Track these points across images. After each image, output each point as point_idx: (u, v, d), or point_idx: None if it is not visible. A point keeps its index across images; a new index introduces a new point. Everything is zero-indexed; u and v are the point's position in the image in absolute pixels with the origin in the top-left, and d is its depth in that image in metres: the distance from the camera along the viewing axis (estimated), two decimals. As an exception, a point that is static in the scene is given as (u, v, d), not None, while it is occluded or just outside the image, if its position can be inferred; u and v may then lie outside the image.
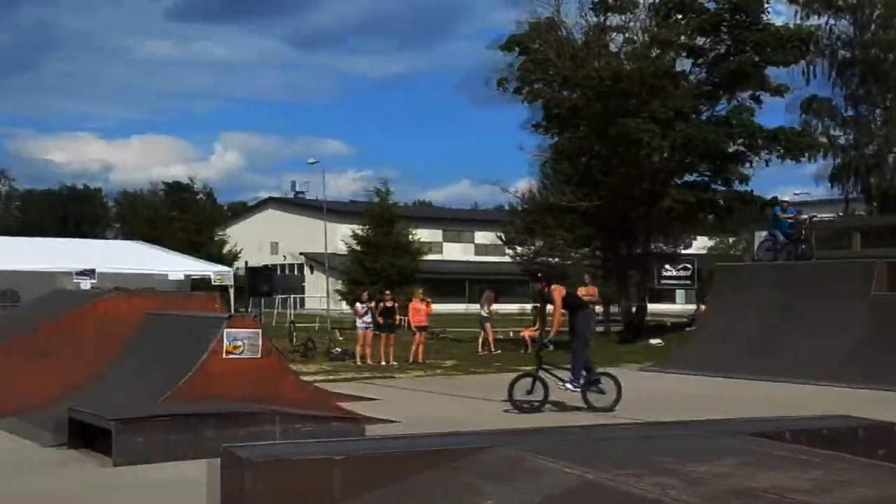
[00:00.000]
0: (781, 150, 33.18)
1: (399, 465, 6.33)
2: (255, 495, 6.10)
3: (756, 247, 28.19)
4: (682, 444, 6.57)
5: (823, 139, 39.87)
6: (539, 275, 19.56)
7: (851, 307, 21.37)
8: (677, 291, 62.81)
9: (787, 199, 31.23)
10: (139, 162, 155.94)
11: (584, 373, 15.44)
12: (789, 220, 25.83)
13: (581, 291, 29.97)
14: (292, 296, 55.97)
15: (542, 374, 15.37)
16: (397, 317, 27.96)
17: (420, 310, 27.74)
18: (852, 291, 21.66)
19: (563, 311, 15.99)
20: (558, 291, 15.90)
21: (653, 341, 31.54)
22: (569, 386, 15.38)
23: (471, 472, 6.13)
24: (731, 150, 33.78)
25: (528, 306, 37.33)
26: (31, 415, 13.22)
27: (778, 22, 34.32)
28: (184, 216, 64.14)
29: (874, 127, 40.58)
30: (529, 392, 15.18)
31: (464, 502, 5.75)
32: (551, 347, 16.49)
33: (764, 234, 27.67)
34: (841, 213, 41.98)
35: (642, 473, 5.16)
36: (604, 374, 15.96)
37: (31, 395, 13.70)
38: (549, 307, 16.21)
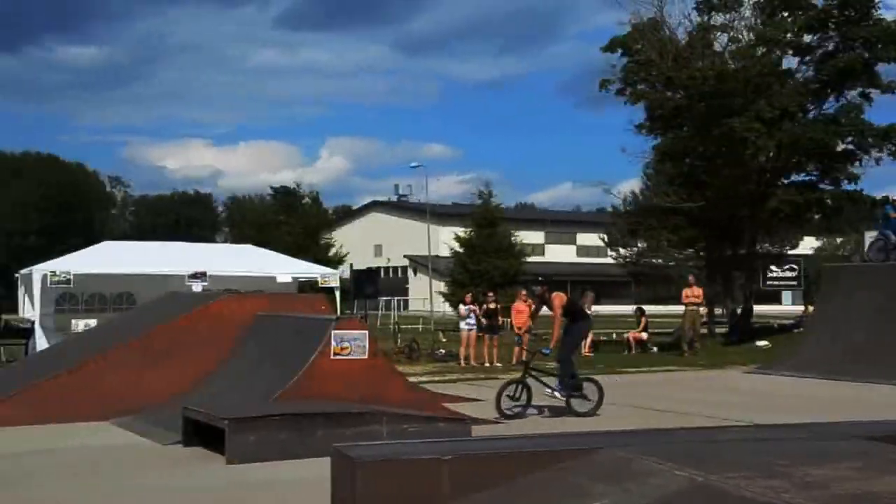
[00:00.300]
0: (894, 148, 32.41)
1: (507, 466, 6.26)
2: (366, 495, 6.07)
3: (867, 247, 27.61)
4: (794, 446, 6.48)
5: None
6: (540, 279, 19.32)
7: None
8: (783, 292, 61.78)
9: (899, 197, 30.50)
10: (248, 167, 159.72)
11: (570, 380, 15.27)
12: (902, 220, 25.27)
13: (686, 293, 29.83)
14: (396, 298, 56.42)
15: (529, 380, 15.12)
16: (500, 318, 28.08)
17: (522, 311, 27.75)
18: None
19: (562, 318, 15.59)
20: (559, 298, 15.64)
21: (759, 343, 31.11)
22: (557, 394, 15.16)
23: (579, 473, 6.08)
24: (839, 148, 33.09)
25: (631, 308, 36.98)
26: (148, 413, 13.59)
27: (889, 17, 33.52)
28: (291, 220, 65.15)
29: None
30: (515, 398, 14.91)
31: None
32: (546, 352, 16.12)
33: (875, 233, 27.09)
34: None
35: (753, 476, 5.09)
36: (586, 379, 15.74)
37: (149, 394, 14.07)
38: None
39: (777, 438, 7.10)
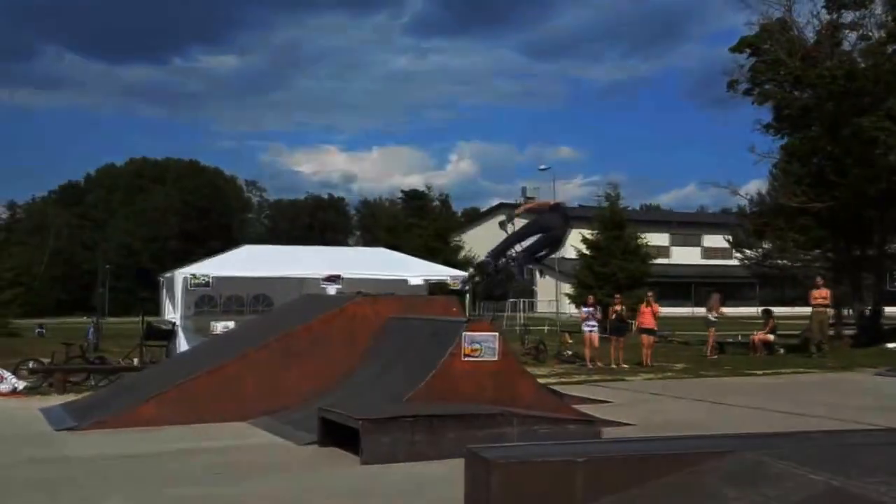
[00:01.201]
0: None
1: (640, 469, 6.25)
2: (501, 496, 6.10)
3: None
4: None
5: None
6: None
7: None
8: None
9: None
10: (379, 172, 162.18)
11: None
12: None
13: (813, 294, 29.38)
14: (523, 299, 56.46)
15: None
16: (627, 319, 28.12)
17: (647, 313, 27.71)
18: None
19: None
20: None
21: (889, 345, 30.48)
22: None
23: (712, 476, 6.03)
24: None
25: (757, 310, 36.41)
26: (285, 414, 13.91)
27: None
28: (421, 223, 65.79)
29: None
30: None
31: (707, 507, 5.74)
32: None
33: None
34: None
35: (893, 481, 5.04)
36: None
37: (285, 394, 14.40)
38: None
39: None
